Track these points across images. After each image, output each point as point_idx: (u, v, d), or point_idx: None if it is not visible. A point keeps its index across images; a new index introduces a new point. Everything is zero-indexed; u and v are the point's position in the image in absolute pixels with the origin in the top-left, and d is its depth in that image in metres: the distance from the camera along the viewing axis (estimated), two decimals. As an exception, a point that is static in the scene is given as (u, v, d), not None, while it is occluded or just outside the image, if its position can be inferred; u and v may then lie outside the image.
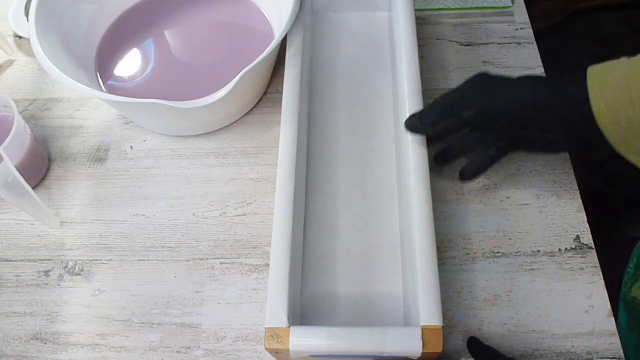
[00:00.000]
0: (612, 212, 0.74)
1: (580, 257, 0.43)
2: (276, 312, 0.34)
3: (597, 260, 0.43)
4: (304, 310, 0.40)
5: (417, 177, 0.39)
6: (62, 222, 0.47)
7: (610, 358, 0.39)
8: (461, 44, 0.56)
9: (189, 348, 0.41)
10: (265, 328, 0.34)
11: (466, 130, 0.40)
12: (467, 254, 0.44)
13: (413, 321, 0.36)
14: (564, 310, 0.41)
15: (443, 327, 0.34)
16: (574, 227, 0.44)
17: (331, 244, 0.43)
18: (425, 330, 0.34)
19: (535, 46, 0.55)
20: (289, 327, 0.34)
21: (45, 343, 0.42)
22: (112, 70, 0.52)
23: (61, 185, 0.49)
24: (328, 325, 0.36)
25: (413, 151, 0.40)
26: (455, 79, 0.53)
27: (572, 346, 0.40)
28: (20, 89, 0.55)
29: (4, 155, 0.41)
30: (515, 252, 0.44)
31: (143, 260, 0.45)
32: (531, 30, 0.56)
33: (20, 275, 0.44)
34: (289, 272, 0.36)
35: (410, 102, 0.43)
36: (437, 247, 0.43)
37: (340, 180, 0.46)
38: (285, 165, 0.40)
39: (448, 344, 0.40)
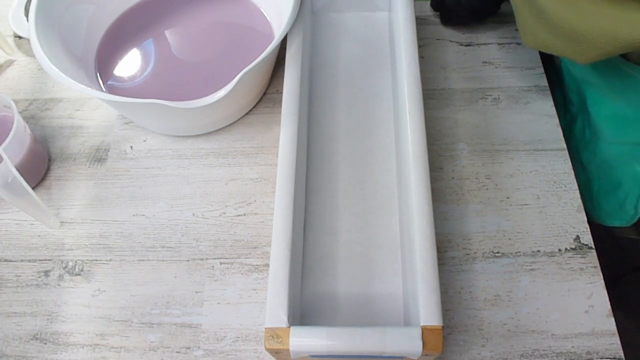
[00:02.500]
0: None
1: (580, 257, 0.43)
2: (276, 312, 0.34)
3: (597, 260, 0.43)
4: (304, 310, 0.40)
5: (417, 177, 0.39)
6: (62, 222, 0.47)
7: (610, 358, 0.39)
8: (461, 44, 0.56)
9: (189, 348, 0.41)
10: (265, 328, 0.34)
11: None
12: (467, 254, 0.44)
13: (413, 321, 0.36)
14: (564, 310, 0.41)
15: (443, 327, 0.34)
16: (574, 227, 0.44)
17: (331, 244, 0.43)
18: (425, 330, 0.34)
19: (535, 46, 0.55)
20: (289, 327, 0.34)
21: (45, 343, 0.42)
22: (112, 70, 0.52)
23: (61, 185, 0.49)
24: (328, 325, 0.36)
25: (413, 151, 0.40)
26: (455, 79, 0.53)
27: (572, 346, 0.40)
28: (20, 89, 0.55)
29: (4, 156, 0.41)
30: (515, 252, 0.44)
31: (143, 260, 0.45)
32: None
33: (20, 276, 0.45)
34: (289, 272, 0.36)
35: (410, 102, 0.43)
36: (437, 247, 0.43)
37: (340, 180, 0.46)
38: (285, 166, 0.40)
39: (448, 344, 0.40)
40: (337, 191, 0.45)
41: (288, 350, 0.34)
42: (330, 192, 0.45)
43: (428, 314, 0.34)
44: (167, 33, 0.55)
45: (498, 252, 0.44)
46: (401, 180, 0.44)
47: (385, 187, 0.45)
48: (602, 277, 0.42)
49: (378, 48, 0.53)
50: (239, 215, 0.46)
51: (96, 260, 0.45)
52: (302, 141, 0.44)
